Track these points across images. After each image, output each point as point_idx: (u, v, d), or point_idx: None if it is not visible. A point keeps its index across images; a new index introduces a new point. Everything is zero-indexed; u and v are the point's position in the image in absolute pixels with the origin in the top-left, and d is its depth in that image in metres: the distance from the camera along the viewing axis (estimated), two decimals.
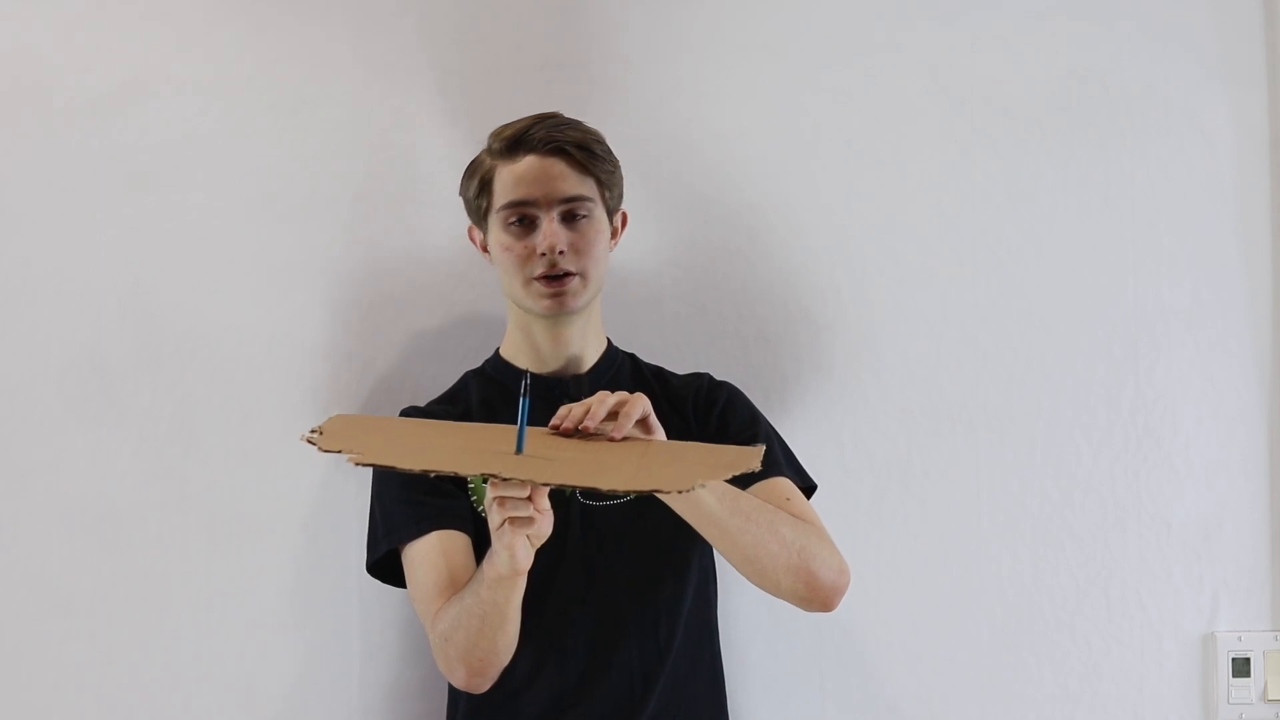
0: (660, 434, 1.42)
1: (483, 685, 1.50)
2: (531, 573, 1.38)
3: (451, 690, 1.65)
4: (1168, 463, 1.94)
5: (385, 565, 1.62)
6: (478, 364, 1.73)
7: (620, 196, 1.68)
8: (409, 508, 1.57)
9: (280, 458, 1.80)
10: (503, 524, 1.31)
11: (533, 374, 1.64)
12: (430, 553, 1.54)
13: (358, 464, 1.24)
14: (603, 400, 1.38)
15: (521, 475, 1.24)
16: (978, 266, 1.94)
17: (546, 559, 1.35)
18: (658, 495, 1.32)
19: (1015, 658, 1.91)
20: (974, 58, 1.95)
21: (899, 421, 1.91)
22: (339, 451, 1.25)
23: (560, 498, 1.51)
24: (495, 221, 1.62)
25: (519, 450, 1.30)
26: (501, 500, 1.30)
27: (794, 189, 1.91)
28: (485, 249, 1.67)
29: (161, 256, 1.82)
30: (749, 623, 1.82)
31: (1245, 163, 1.98)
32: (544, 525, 1.32)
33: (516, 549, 1.33)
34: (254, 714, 1.80)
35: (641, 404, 1.39)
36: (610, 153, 1.65)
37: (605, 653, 1.57)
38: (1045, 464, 1.92)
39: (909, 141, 1.94)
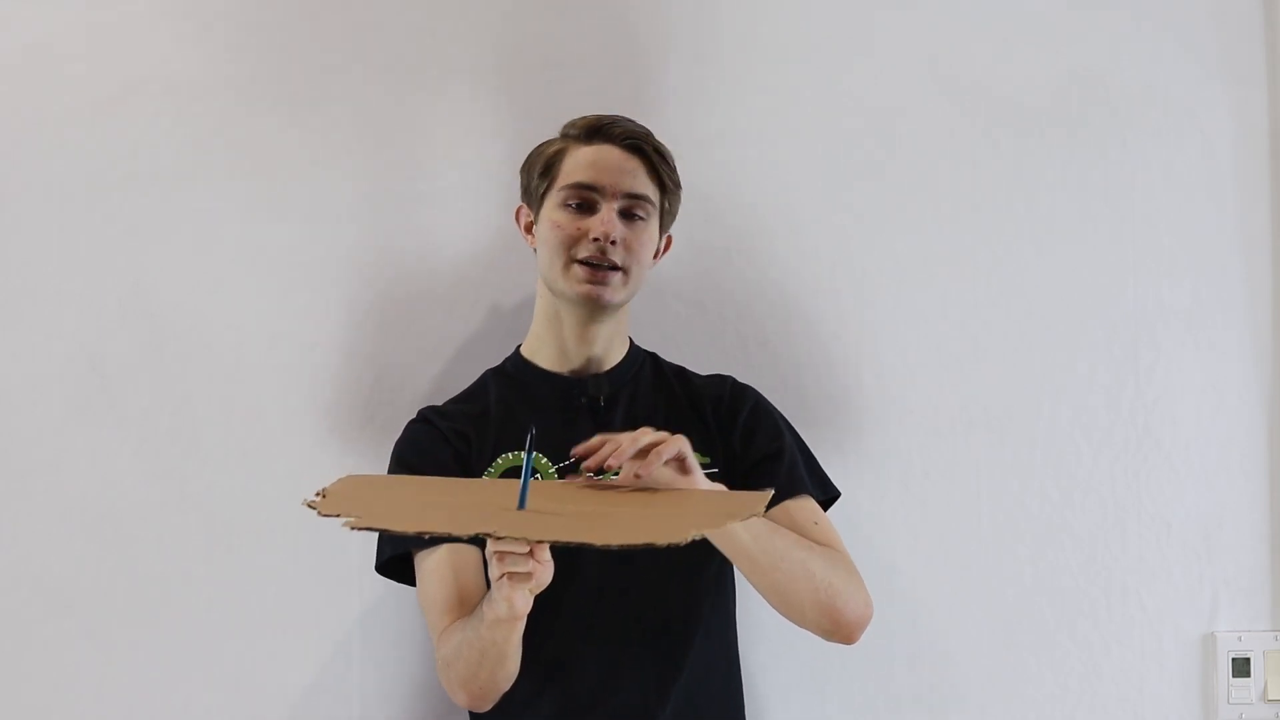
0: (698, 475, 1.39)
1: (484, 707, 1.49)
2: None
3: None
4: (1168, 463, 1.94)
5: (392, 565, 1.61)
6: (481, 364, 1.72)
7: (673, 219, 1.68)
8: None
9: (280, 458, 1.80)
10: (502, 577, 1.30)
11: (551, 372, 1.64)
12: (440, 567, 1.53)
13: (355, 529, 1.21)
14: (636, 440, 1.35)
15: (515, 533, 1.22)
16: (978, 266, 1.94)
17: (561, 567, 1.34)
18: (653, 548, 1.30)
19: (1015, 658, 1.91)
20: (974, 58, 1.95)
21: (899, 421, 1.91)
22: (337, 516, 1.22)
23: None
24: (552, 200, 1.61)
25: (521, 506, 1.28)
26: (501, 555, 1.29)
27: (794, 189, 1.91)
28: (529, 230, 1.66)
29: (161, 256, 1.82)
30: (751, 624, 1.82)
31: (1245, 163, 1.98)
32: (544, 575, 1.31)
33: (515, 600, 1.32)
34: (254, 714, 1.79)
35: (677, 444, 1.36)
36: (677, 173, 1.65)
37: (620, 659, 1.56)
38: (1045, 464, 1.92)
39: (909, 142, 1.93)
